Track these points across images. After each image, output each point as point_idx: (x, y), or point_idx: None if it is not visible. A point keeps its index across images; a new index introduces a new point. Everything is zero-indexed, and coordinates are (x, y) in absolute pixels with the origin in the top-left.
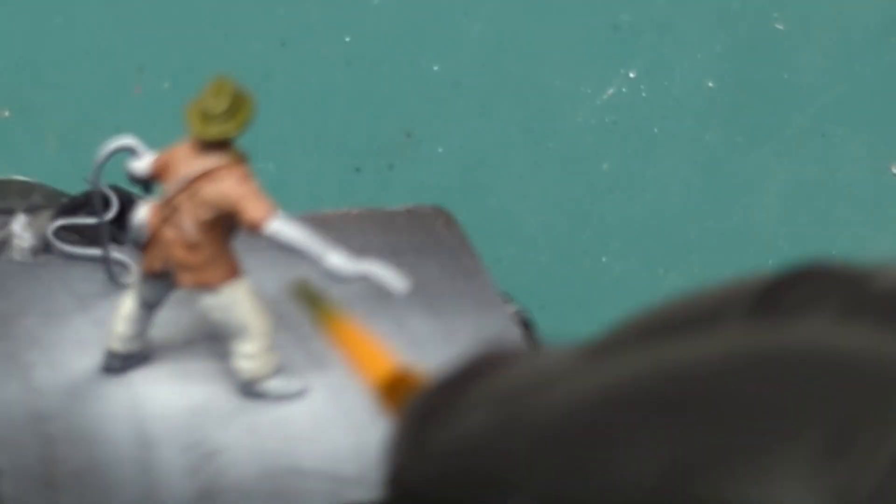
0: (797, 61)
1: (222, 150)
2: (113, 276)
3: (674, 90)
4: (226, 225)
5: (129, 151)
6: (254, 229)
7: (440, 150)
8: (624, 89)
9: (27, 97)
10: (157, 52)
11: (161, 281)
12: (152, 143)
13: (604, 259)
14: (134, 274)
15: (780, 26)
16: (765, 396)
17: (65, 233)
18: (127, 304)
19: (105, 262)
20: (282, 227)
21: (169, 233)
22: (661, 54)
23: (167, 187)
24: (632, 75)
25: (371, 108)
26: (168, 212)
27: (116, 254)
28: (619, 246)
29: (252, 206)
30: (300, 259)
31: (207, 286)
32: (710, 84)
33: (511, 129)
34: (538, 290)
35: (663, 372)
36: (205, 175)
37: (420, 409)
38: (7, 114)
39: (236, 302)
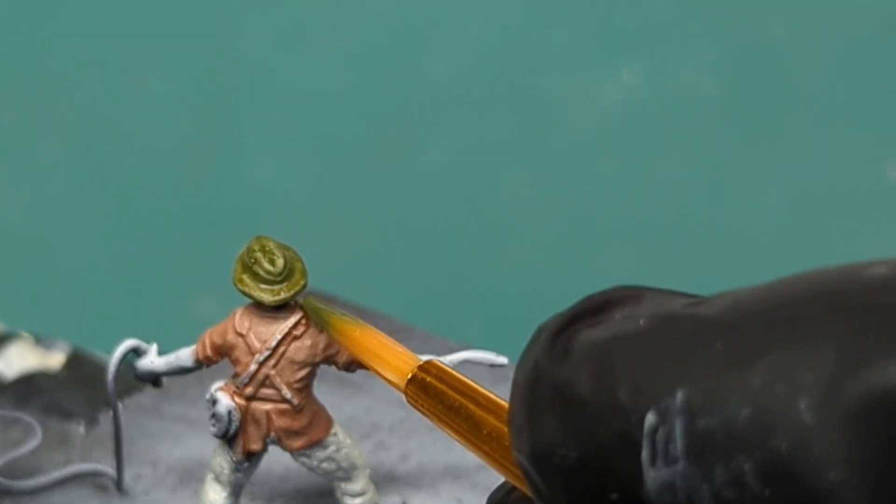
0: (797, 62)
1: (285, 306)
2: (121, 484)
3: (674, 90)
4: (314, 376)
5: (135, 352)
6: (353, 365)
7: (440, 150)
8: (624, 89)
9: (27, 97)
10: (157, 52)
11: (254, 459)
12: (152, 143)
13: (603, 259)
14: (224, 464)
15: (780, 27)
16: None
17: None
18: (216, 497)
19: (118, 471)
20: None
21: (264, 407)
22: (661, 54)
23: (239, 364)
24: (632, 76)
25: (371, 108)
26: (256, 387)
27: (94, 466)
28: (618, 246)
29: None
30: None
31: (319, 442)
32: (710, 84)
33: (510, 130)
34: (538, 290)
35: (834, 282)
36: (287, 336)
37: (562, 322)
38: (7, 114)
39: (341, 445)
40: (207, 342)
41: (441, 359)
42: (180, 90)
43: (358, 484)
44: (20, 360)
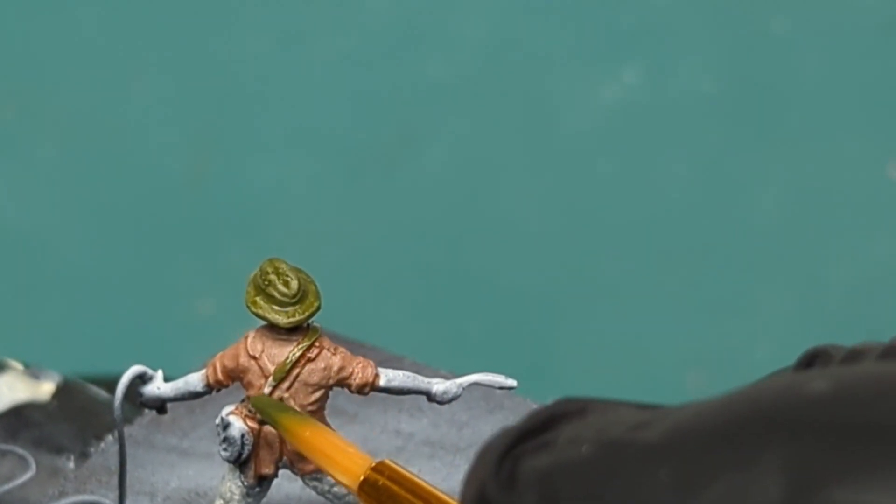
0: (797, 62)
1: (297, 328)
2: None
3: (673, 90)
4: (327, 399)
5: (140, 378)
6: (366, 387)
7: (440, 150)
8: (623, 90)
9: (27, 97)
10: (158, 52)
11: (265, 483)
12: (152, 144)
13: (603, 259)
14: (234, 490)
15: (779, 27)
16: (873, 417)
17: None
18: None
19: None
20: (389, 375)
21: (277, 431)
22: (661, 54)
23: (252, 387)
24: (631, 76)
25: (371, 108)
26: None
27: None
28: (618, 246)
29: (357, 368)
30: (410, 397)
31: None
32: (710, 84)
33: (510, 130)
34: (537, 290)
35: (775, 400)
36: (301, 358)
37: (507, 444)
38: (7, 113)
39: None
40: (218, 366)
41: (450, 382)
42: (180, 90)
43: None
44: (10, 391)
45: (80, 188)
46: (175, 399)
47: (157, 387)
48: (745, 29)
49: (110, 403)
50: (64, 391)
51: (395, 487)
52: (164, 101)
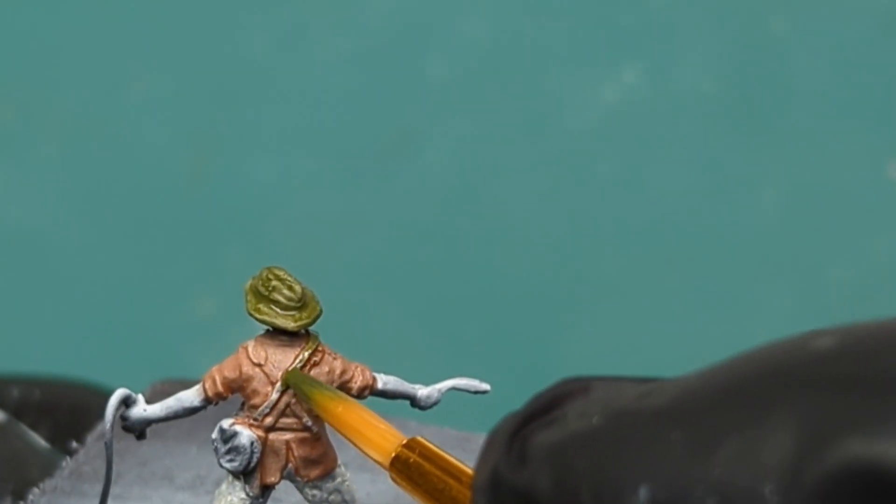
0: (796, 62)
1: (298, 334)
2: None
3: (674, 90)
4: None
5: (124, 402)
6: (366, 390)
7: (440, 150)
8: (623, 89)
9: (27, 97)
10: (157, 52)
11: (267, 493)
12: (152, 144)
13: (603, 259)
14: (236, 503)
15: (779, 27)
16: (880, 369)
17: None
18: None
19: None
20: (384, 379)
21: (284, 437)
22: (661, 54)
23: (257, 395)
24: (631, 75)
25: (371, 108)
26: (276, 416)
27: None
28: (618, 246)
29: (357, 372)
30: (398, 401)
31: (331, 472)
32: (710, 84)
33: (510, 130)
34: (537, 290)
35: (781, 358)
36: (307, 363)
37: (516, 425)
38: (7, 114)
39: (345, 477)
40: (218, 378)
41: (431, 388)
42: (180, 90)
43: None
44: None
45: (80, 188)
46: (166, 419)
47: (143, 409)
48: (745, 29)
49: (45, 453)
50: (2, 433)
51: (426, 464)
52: (164, 101)
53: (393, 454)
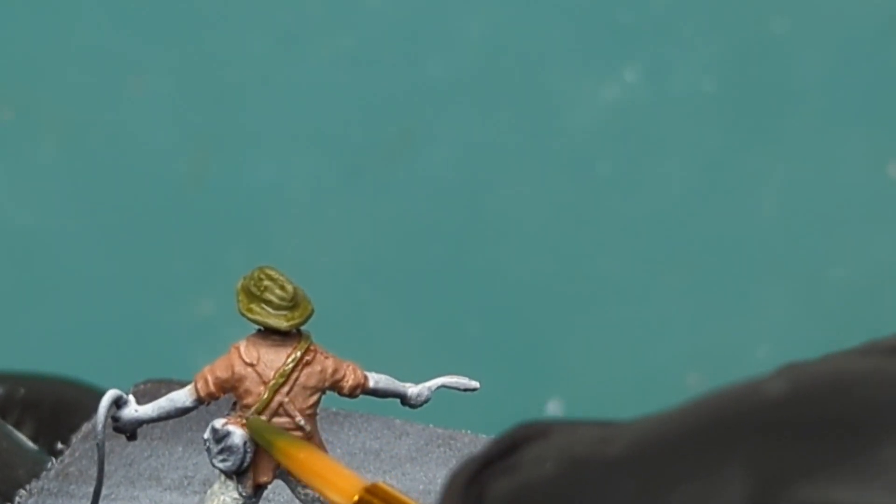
0: (797, 62)
1: (290, 334)
2: None
3: (673, 90)
4: (320, 403)
5: (115, 403)
6: (357, 389)
7: (440, 150)
8: (623, 89)
9: (27, 97)
10: (157, 52)
11: (259, 493)
12: (152, 144)
13: (603, 259)
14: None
15: (779, 27)
16: (832, 413)
17: None
18: None
19: None
20: (375, 377)
21: None
22: (661, 54)
23: (249, 395)
24: (631, 75)
25: (371, 108)
26: (269, 416)
27: None
28: (618, 246)
29: (349, 371)
30: (388, 399)
31: None
32: (710, 84)
33: (510, 129)
34: (537, 289)
35: (734, 404)
36: (299, 362)
37: (473, 471)
38: (7, 114)
39: None
40: (210, 379)
41: (421, 386)
42: (180, 90)
43: None
44: None
45: (80, 188)
46: (157, 419)
47: (135, 410)
48: (745, 29)
49: (31, 455)
50: None
51: None
52: (164, 101)
53: (356, 498)
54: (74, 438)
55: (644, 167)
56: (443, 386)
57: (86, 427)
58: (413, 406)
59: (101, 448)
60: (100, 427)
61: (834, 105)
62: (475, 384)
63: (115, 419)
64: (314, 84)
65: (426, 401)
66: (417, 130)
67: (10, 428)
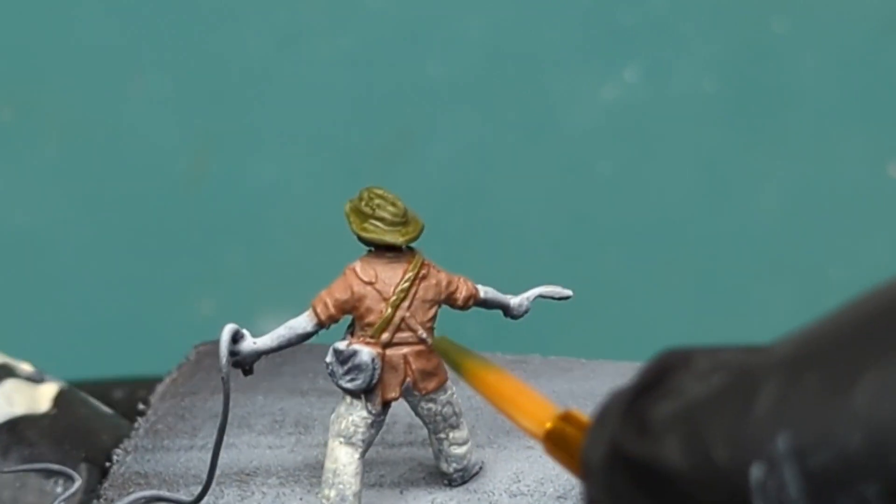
0: (797, 62)
1: (401, 250)
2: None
3: (673, 90)
4: (437, 316)
5: (232, 338)
6: (470, 300)
7: (440, 150)
8: (623, 89)
9: (27, 97)
10: (157, 51)
11: (384, 412)
12: (152, 144)
13: (603, 258)
14: (358, 422)
15: (779, 27)
16: None
17: None
18: (349, 460)
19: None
20: (484, 288)
21: (401, 351)
22: (661, 54)
23: (371, 313)
24: (631, 75)
25: (371, 108)
26: (392, 332)
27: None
28: (618, 245)
29: (461, 283)
30: (494, 308)
31: (444, 384)
32: (710, 84)
33: (510, 130)
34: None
35: (890, 298)
36: (415, 279)
37: (628, 401)
38: (7, 114)
39: (453, 388)
40: (329, 301)
41: (521, 297)
42: (179, 90)
43: (464, 431)
44: (8, 405)
45: (80, 188)
46: (278, 349)
47: (253, 342)
48: (745, 29)
49: (109, 419)
50: (63, 402)
51: (580, 436)
52: (164, 101)
53: (548, 425)
54: (153, 398)
55: (644, 167)
56: (540, 296)
57: (160, 388)
58: (515, 316)
59: (226, 383)
60: (223, 361)
61: (834, 105)
62: (568, 292)
63: (234, 353)
64: (314, 84)
65: (526, 311)
66: (417, 130)
67: (85, 395)
